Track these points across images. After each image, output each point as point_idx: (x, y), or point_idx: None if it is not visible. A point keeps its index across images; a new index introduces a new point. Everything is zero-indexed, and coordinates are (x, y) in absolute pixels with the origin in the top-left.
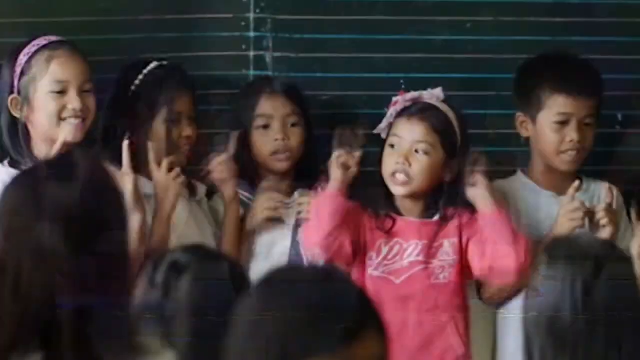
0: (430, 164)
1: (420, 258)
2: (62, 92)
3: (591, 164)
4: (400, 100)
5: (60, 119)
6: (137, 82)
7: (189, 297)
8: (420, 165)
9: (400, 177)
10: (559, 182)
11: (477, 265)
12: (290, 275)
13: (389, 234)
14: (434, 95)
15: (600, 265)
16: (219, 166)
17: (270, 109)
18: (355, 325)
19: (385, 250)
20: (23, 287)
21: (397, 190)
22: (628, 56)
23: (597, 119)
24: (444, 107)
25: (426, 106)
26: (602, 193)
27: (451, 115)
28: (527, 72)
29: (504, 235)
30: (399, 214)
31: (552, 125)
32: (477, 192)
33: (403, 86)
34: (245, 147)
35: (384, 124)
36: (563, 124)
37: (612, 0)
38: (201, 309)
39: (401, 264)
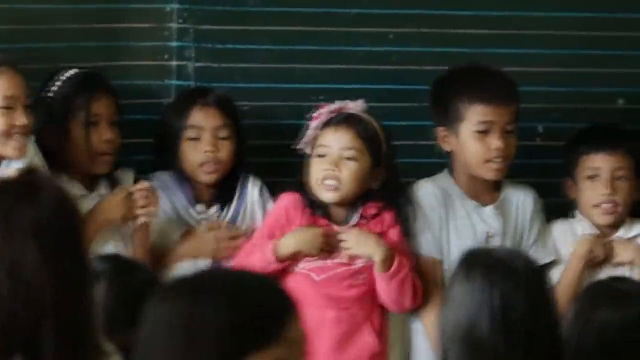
0: (359, 170)
1: (344, 260)
2: (10, 108)
3: (512, 176)
4: (324, 112)
5: (8, 135)
6: (54, 87)
7: (104, 304)
8: (349, 171)
9: (331, 182)
10: (481, 192)
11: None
12: (208, 278)
13: None
14: (357, 106)
15: (518, 277)
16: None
17: (202, 120)
18: (283, 316)
19: None
20: (2, 301)
21: (328, 196)
22: (548, 68)
23: (516, 125)
24: (367, 117)
25: (351, 115)
26: (519, 197)
27: (375, 124)
28: (442, 86)
29: (391, 295)
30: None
31: (474, 135)
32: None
33: (322, 99)
34: (174, 157)
35: (307, 138)
36: (485, 132)
37: (532, 13)
38: (116, 315)
39: (324, 262)
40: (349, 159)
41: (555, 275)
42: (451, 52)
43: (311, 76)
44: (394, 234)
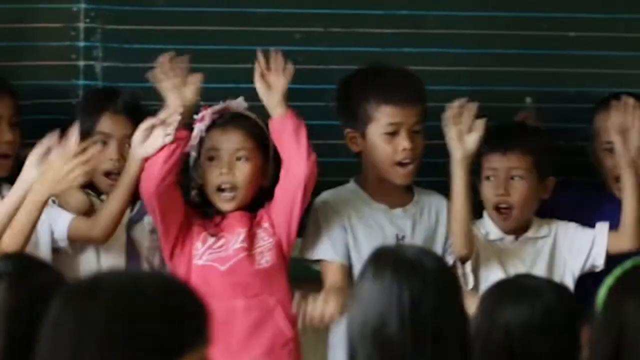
0: (253, 170)
1: (244, 245)
2: None
3: (420, 175)
4: (208, 114)
5: None
6: None
7: (6, 305)
8: (243, 173)
9: (227, 191)
10: (391, 194)
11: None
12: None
13: (215, 228)
14: (239, 104)
15: (427, 276)
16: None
17: (110, 127)
18: (207, 315)
19: (211, 240)
20: None
21: (225, 206)
22: (456, 67)
23: (424, 125)
24: (251, 114)
25: (237, 115)
26: (432, 202)
27: (259, 121)
28: (348, 87)
29: (291, 141)
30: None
31: (382, 136)
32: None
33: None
34: None
35: (194, 141)
36: (393, 134)
37: (440, 12)
38: (19, 316)
39: (226, 252)
40: (241, 159)
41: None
42: (358, 52)
43: (219, 76)
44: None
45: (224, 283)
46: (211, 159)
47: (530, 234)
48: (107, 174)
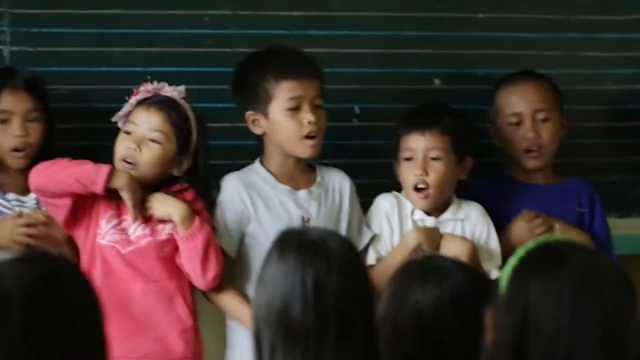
0: (161, 154)
1: (147, 231)
2: None
3: (329, 157)
4: (142, 90)
5: None
6: None
7: None
8: (150, 154)
9: (128, 164)
10: (295, 175)
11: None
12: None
13: (120, 209)
14: (176, 90)
15: (331, 258)
16: None
17: (11, 104)
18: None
19: (115, 220)
20: None
21: None
22: (364, 50)
23: (324, 101)
24: (184, 104)
25: (167, 98)
26: (335, 181)
27: (190, 112)
28: (245, 70)
29: (196, 258)
30: None
31: (285, 112)
32: (170, 209)
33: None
34: None
35: (122, 112)
36: (295, 109)
37: None
38: None
39: (128, 235)
40: (152, 141)
41: (380, 249)
42: (266, 35)
43: (128, 59)
44: (196, 205)
45: (124, 266)
46: (128, 132)
47: (448, 215)
48: (13, 150)
